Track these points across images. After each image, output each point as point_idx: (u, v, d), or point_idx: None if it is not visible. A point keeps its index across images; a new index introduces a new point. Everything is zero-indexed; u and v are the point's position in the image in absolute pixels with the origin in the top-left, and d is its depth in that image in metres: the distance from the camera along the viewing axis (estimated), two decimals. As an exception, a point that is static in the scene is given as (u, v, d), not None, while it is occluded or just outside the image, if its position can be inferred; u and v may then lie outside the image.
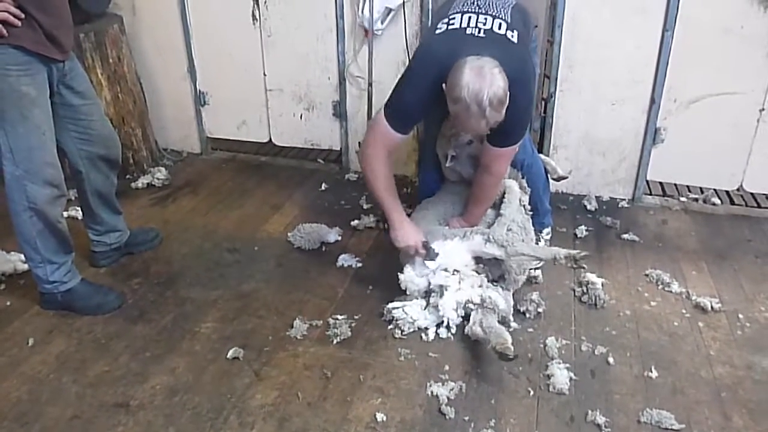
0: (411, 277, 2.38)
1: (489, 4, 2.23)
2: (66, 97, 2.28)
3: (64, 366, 2.14)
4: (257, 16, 3.46)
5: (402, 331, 2.29)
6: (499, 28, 2.16)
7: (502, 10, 2.22)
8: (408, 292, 2.39)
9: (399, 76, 2.30)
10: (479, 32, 2.15)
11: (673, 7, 2.86)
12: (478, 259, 2.39)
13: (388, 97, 2.29)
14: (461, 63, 2.03)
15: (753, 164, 3.09)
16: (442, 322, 2.29)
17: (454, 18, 2.21)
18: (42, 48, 2.07)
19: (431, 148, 2.63)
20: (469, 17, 2.19)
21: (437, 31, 2.22)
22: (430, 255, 2.35)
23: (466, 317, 2.27)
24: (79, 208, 2.68)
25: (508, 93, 2.04)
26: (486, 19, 2.18)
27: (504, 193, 2.49)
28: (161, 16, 3.61)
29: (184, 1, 3.53)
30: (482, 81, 1.99)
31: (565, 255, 2.24)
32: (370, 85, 3.37)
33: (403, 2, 3.17)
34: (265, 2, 3.41)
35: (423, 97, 2.20)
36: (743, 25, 2.84)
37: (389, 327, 2.32)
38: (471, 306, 2.26)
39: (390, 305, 2.37)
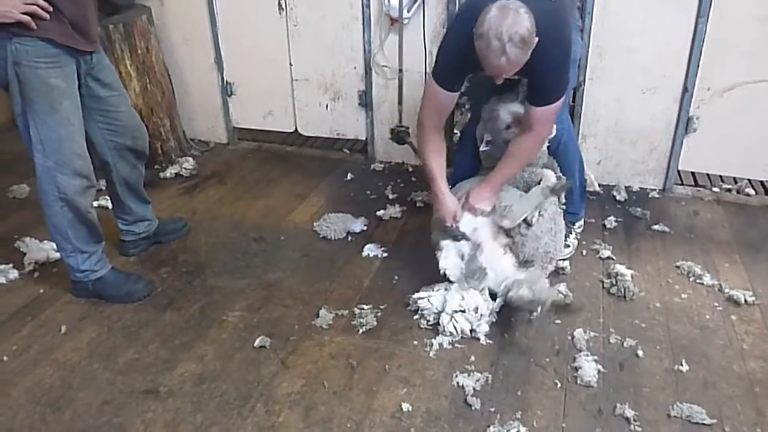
0: (451, 257, 2.37)
1: None
2: (93, 89, 2.30)
3: (95, 353, 2.18)
4: (283, 6, 3.46)
5: (427, 321, 2.28)
6: None
7: None
8: (447, 272, 2.36)
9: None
10: None
11: (708, -7, 2.80)
12: (507, 234, 2.39)
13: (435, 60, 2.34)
14: (488, 7, 2.05)
15: (790, 153, 3.01)
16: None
17: None
18: (70, 40, 2.10)
19: (471, 134, 2.62)
20: None
21: None
22: (457, 233, 2.35)
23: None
24: (108, 198, 2.71)
25: (537, 41, 2.02)
26: None
27: (540, 180, 2.46)
28: (189, 7, 3.63)
29: (211, -9, 3.55)
30: (505, 17, 1.99)
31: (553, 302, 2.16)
32: (400, 71, 3.35)
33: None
34: (291, -8, 3.42)
35: (462, 47, 2.18)
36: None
37: (414, 317, 2.31)
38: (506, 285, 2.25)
39: (416, 295, 2.36)
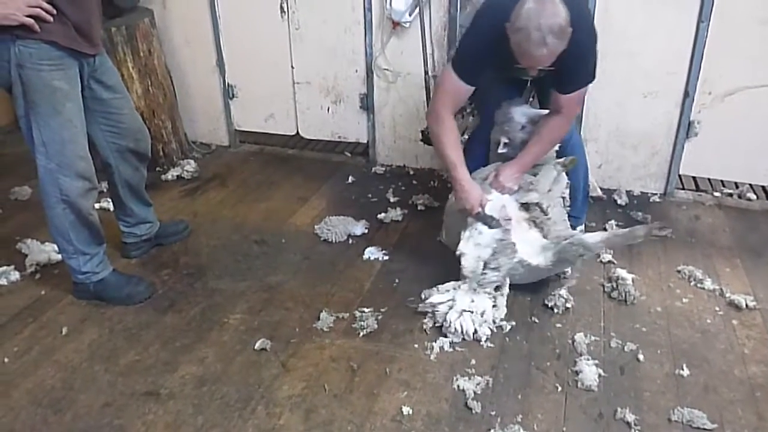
0: (471, 249, 2.38)
1: None
2: (96, 92, 2.31)
3: (96, 354, 2.18)
4: (285, 9, 3.47)
5: (435, 322, 2.28)
6: None
7: None
8: (465, 265, 2.37)
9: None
10: None
11: (709, -2, 2.80)
12: (526, 208, 2.44)
13: (455, 51, 2.37)
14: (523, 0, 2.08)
15: (791, 158, 3.02)
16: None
17: None
18: (73, 43, 2.11)
19: (481, 137, 2.64)
20: None
21: None
22: (489, 220, 2.36)
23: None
24: (110, 200, 2.72)
25: (571, 30, 2.06)
26: None
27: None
28: (191, 10, 3.64)
29: (213, -6, 3.56)
30: (543, 8, 2.03)
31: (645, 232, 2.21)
32: (426, 73, 3.32)
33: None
34: (294, -5, 3.43)
35: (487, 41, 2.23)
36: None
37: (420, 319, 2.31)
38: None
39: (428, 294, 2.37)
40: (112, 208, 2.73)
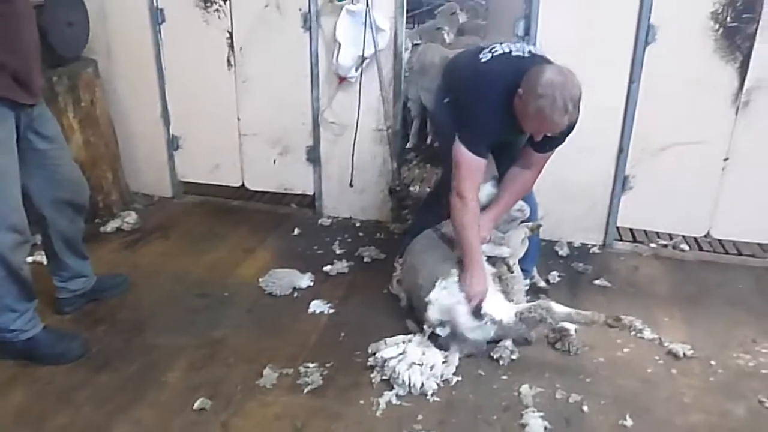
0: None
1: (515, 42, 2.41)
2: (33, 142, 2.24)
3: (22, 419, 2.05)
4: (232, 62, 3.49)
5: (383, 375, 2.25)
6: (538, 52, 2.34)
7: (527, 45, 2.43)
8: (430, 315, 2.39)
9: (439, 110, 2.58)
10: (525, 53, 2.31)
11: (639, 60, 2.96)
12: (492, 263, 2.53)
13: (458, 131, 2.34)
14: (538, 68, 2.14)
15: (719, 211, 3.15)
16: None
17: (494, 47, 2.35)
18: (10, 93, 2.05)
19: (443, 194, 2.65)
20: (508, 46, 2.34)
21: (483, 59, 2.33)
22: (479, 314, 2.36)
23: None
24: (43, 253, 2.61)
25: None
26: (523, 46, 2.37)
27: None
28: (136, 61, 3.62)
29: (159, 45, 3.55)
30: (566, 78, 2.11)
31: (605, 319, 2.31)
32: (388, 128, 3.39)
33: (376, 51, 3.23)
34: (241, 48, 3.45)
35: (498, 112, 2.26)
36: (706, 77, 2.93)
37: (368, 373, 2.28)
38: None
39: (376, 348, 2.35)
40: (45, 262, 2.61)
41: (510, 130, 2.33)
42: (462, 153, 2.33)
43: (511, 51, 2.32)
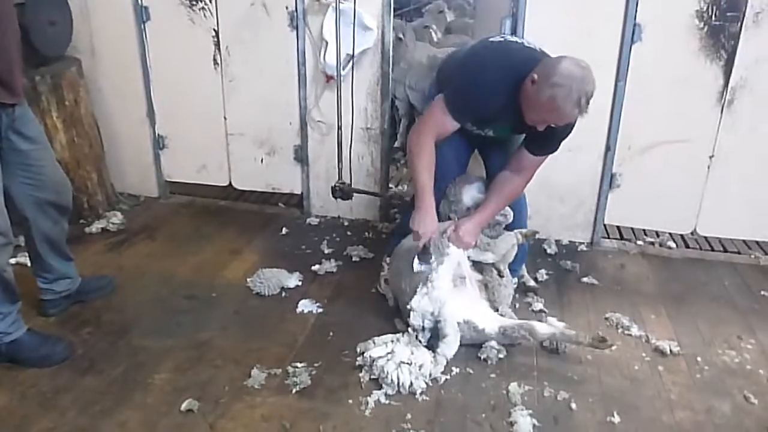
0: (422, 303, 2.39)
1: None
2: (15, 143, 2.21)
3: (4, 423, 2.02)
4: (219, 61, 3.46)
5: (372, 375, 2.24)
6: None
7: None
8: (413, 321, 2.39)
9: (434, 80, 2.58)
10: (537, 48, 2.30)
11: (625, 59, 2.97)
12: (480, 270, 2.54)
13: (450, 89, 2.33)
14: (556, 57, 2.12)
15: (705, 209, 3.18)
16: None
17: (504, 35, 2.39)
18: (-9, 93, 2.02)
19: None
20: (521, 38, 2.38)
21: (493, 40, 2.33)
22: (425, 257, 2.37)
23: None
24: (27, 255, 2.57)
25: None
26: (534, 43, 2.36)
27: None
28: (121, 60, 3.58)
29: (144, 44, 3.52)
30: (584, 72, 2.09)
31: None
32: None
33: (364, 50, 3.21)
34: (227, 47, 3.42)
35: (496, 91, 2.22)
36: (691, 76, 2.96)
37: (357, 373, 2.27)
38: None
39: (365, 347, 2.35)
40: (29, 263, 2.58)
41: (500, 114, 2.29)
42: (439, 107, 2.31)
43: (524, 42, 2.33)
